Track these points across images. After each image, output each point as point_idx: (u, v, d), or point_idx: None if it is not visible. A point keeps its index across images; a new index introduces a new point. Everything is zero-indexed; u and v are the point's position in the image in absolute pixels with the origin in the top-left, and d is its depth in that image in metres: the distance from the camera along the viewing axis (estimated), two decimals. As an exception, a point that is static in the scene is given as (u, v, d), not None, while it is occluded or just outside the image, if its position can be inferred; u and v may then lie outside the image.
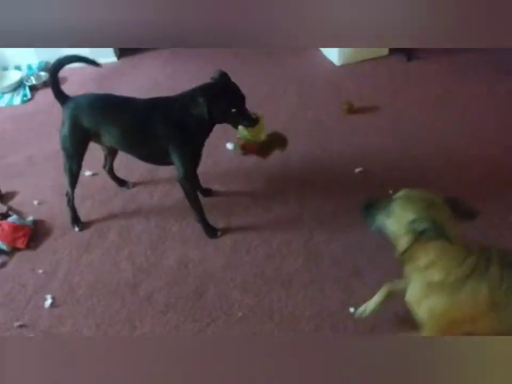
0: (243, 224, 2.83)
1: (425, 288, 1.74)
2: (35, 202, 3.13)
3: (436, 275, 1.69)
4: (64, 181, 2.78)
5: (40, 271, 2.68)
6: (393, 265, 2.51)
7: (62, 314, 2.45)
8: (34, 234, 2.90)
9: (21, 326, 2.40)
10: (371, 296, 2.23)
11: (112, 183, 3.15)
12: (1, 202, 3.14)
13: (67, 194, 2.84)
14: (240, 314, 2.38)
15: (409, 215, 1.65)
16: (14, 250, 2.81)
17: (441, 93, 3.86)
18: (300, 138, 3.37)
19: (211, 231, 2.77)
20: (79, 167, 2.73)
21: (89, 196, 3.11)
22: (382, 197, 1.82)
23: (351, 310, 2.33)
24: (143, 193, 3.10)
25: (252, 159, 3.10)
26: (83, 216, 2.96)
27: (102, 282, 2.58)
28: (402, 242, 1.70)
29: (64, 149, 2.65)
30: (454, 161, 3.15)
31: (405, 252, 1.71)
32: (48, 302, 2.50)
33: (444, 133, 3.42)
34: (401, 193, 1.75)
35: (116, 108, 2.56)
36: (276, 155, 2.87)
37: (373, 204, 1.79)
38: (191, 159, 2.57)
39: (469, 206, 1.70)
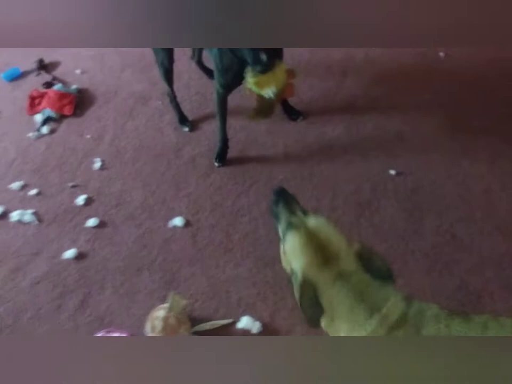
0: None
1: None
2: (78, 72, 3.16)
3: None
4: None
5: (88, 136, 2.77)
6: (435, 130, 2.52)
7: (111, 176, 2.57)
8: (79, 102, 2.95)
9: (74, 186, 2.54)
10: (414, 161, 2.23)
11: (150, 51, 3.11)
12: (46, 71, 3.18)
13: (168, 94, 2.65)
14: (281, 177, 2.43)
15: (294, 263, 1.30)
16: (61, 117, 2.89)
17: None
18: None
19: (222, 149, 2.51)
20: (170, 59, 2.49)
21: (129, 64, 3.11)
22: (292, 201, 1.43)
23: (392, 172, 2.34)
24: (181, 61, 3.05)
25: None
26: (125, 85, 2.98)
27: (147, 147, 2.66)
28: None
29: None
30: None
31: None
32: (98, 164, 2.61)
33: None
34: (312, 222, 1.34)
35: None
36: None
37: (282, 202, 1.42)
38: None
39: (385, 264, 1.28)
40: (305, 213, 1.39)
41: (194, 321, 1.92)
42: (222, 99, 2.37)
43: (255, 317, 1.93)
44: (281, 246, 1.38)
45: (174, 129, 2.71)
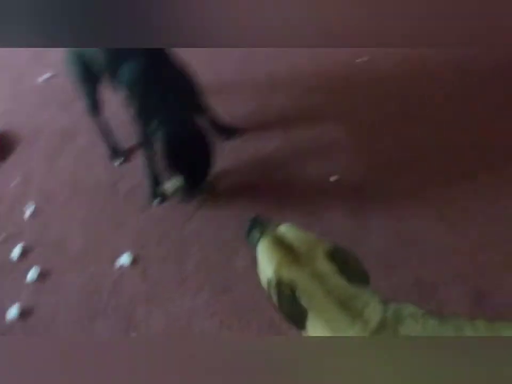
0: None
1: None
2: (-5, 114, 2.99)
3: None
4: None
5: (15, 181, 2.62)
6: (368, 132, 2.56)
7: (46, 221, 2.44)
8: (1, 146, 2.79)
9: (6, 238, 2.38)
10: (352, 165, 2.24)
11: (70, 86, 2.99)
12: (-42, 118, 2.98)
13: (97, 126, 2.54)
14: (223, 199, 2.39)
15: (267, 270, 1.26)
16: (-17, 165, 2.72)
17: None
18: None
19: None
20: (96, 90, 2.37)
21: (50, 101, 2.97)
22: (264, 221, 1.42)
23: (332, 178, 2.36)
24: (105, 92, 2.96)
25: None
26: (48, 123, 2.83)
27: (80, 185, 2.54)
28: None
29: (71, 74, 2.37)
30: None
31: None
32: (30, 210, 2.47)
33: None
34: (280, 229, 1.33)
35: None
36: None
37: (256, 227, 1.40)
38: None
39: (360, 266, 1.26)
40: (276, 225, 1.36)
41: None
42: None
43: (221, 347, 1.88)
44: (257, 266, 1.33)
45: (106, 163, 2.60)
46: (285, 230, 1.32)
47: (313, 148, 2.51)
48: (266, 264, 1.26)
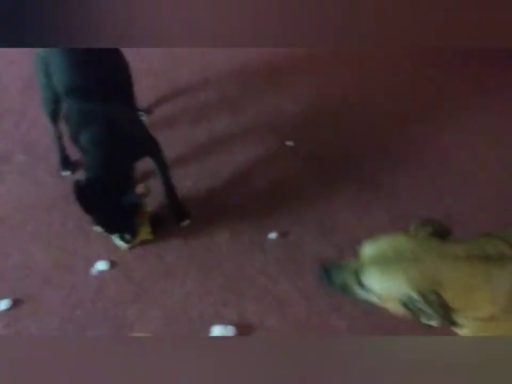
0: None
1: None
2: None
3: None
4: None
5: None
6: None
7: (3, 249, 2.28)
8: None
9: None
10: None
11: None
12: None
13: (53, 134, 2.43)
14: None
15: (397, 293, 1.20)
16: None
17: None
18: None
19: None
20: (57, 98, 2.20)
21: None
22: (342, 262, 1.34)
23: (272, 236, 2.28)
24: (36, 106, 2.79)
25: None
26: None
27: (31, 205, 2.39)
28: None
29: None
30: None
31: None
32: (-18, 243, 2.30)
33: None
34: (367, 250, 1.26)
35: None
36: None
37: (332, 269, 1.32)
38: None
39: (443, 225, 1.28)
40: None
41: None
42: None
43: (225, 322, 1.87)
44: (372, 302, 1.27)
45: (55, 177, 2.48)
46: (374, 249, 1.24)
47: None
48: (393, 289, 1.20)
